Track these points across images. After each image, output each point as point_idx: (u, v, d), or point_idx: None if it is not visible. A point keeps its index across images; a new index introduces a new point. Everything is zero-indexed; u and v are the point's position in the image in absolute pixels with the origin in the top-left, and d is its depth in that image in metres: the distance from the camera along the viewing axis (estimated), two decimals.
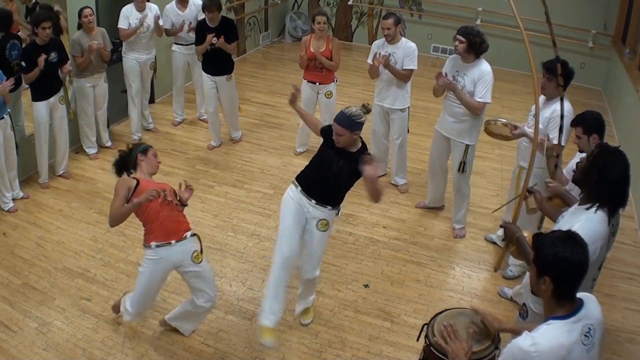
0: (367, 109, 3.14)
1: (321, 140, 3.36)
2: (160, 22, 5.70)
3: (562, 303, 1.92)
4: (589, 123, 3.23)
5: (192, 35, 5.99)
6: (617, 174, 2.49)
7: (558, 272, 1.87)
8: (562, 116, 3.24)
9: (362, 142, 3.21)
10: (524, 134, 3.85)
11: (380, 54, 4.81)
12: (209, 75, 5.63)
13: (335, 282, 4.08)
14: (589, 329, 1.92)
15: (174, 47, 6.11)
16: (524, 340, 1.88)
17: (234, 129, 6.04)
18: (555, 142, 3.51)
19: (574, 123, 3.29)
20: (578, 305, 1.94)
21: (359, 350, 3.51)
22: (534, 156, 3.21)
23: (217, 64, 5.57)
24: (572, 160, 3.50)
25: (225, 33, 5.40)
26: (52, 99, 4.85)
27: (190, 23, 5.86)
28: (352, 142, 3.13)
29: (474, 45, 4.10)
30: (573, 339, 1.87)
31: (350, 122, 3.05)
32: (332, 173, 3.21)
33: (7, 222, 4.58)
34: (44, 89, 4.78)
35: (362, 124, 3.10)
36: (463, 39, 4.11)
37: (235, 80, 5.84)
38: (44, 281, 3.96)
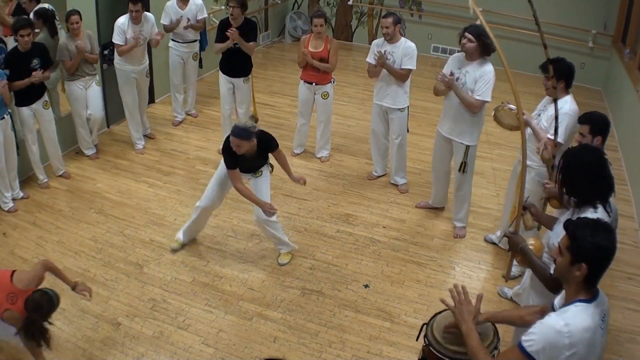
0: (255, 119, 3.96)
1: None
2: (162, 21, 5.66)
3: (589, 287, 1.99)
4: (596, 124, 3.18)
5: (190, 33, 5.98)
6: (601, 169, 2.51)
7: (596, 259, 1.94)
8: (556, 117, 3.22)
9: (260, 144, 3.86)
10: (529, 124, 3.80)
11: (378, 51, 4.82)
12: (226, 76, 5.55)
13: (335, 282, 4.08)
14: (604, 314, 2.01)
15: (171, 44, 6.10)
16: (556, 321, 1.92)
17: None
18: (558, 139, 3.51)
19: (582, 120, 3.26)
20: (597, 291, 2.02)
21: (359, 350, 3.51)
22: (525, 160, 3.18)
23: (235, 65, 5.47)
24: None
25: (245, 33, 5.30)
26: (34, 105, 4.78)
27: (188, 20, 5.85)
28: (250, 148, 3.78)
29: (486, 47, 4.06)
30: (597, 322, 1.95)
31: (245, 132, 3.68)
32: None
33: (7, 222, 4.58)
34: (27, 94, 4.71)
35: (254, 132, 3.73)
36: (473, 39, 4.06)
37: (251, 84, 5.70)
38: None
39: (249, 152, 3.81)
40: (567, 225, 2.02)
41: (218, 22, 5.60)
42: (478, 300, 2.25)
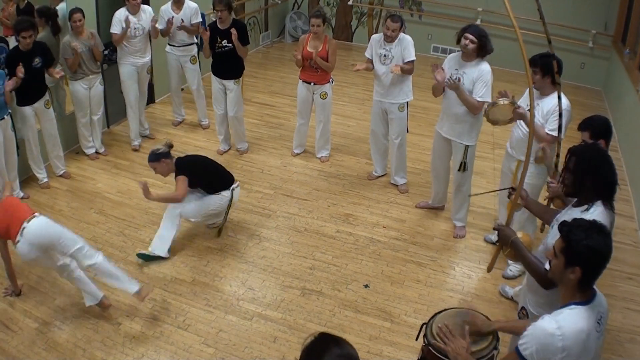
0: (169, 145, 4.23)
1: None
2: (158, 25, 5.69)
3: (584, 290, 1.98)
4: (597, 128, 3.17)
5: (185, 36, 5.94)
6: (610, 171, 2.49)
7: (591, 263, 1.93)
8: (560, 114, 3.22)
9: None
10: (524, 117, 3.77)
11: (381, 63, 4.85)
12: (217, 78, 5.57)
13: (335, 282, 4.08)
14: (601, 316, 2.01)
15: (167, 48, 6.09)
16: (549, 324, 1.93)
17: (239, 140, 5.87)
18: (554, 134, 3.51)
19: (582, 127, 3.23)
20: (594, 293, 2.01)
21: (359, 351, 3.44)
22: (530, 149, 3.18)
23: (225, 66, 5.48)
24: None
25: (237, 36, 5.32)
26: (36, 104, 4.79)
27: (182, 20, 5.83)
28: (167, 170, 4.21)
29: (484, 47, 4.08)
30: (591, 325, 1.94)
31: (151, 155, 4.14)
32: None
33: None
34: (28, 94, 4.72)
35: (162, 154, 4.14)
36: (475, 40, 4.05)
37: (242, 84, 5.72)
38: (44, 281, 3.96)
39: (171, 172, 4.24)
40: (562, 227, 2.00)
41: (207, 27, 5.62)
42: (467, 334, 2.29)
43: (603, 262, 1.95)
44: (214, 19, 5.58)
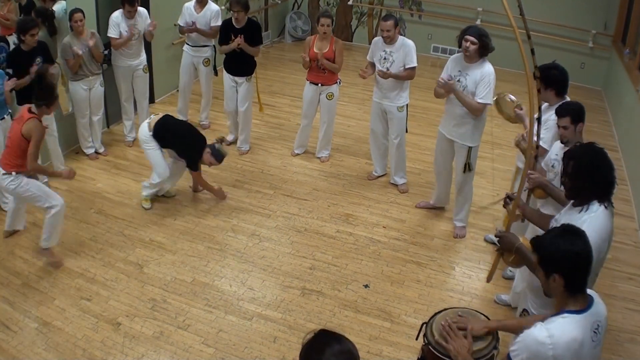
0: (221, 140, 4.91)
1: None
2: (179, 22, 5.77)
3: (575, 296, 1.94)
4: (575, 112, 3.22)
5: (202, 38, 5.94)
6: (609, 171, 2.49)
7: (565, 266, 1.90)
8: (539, 120, 3.22)
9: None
10: (522, 120, 3.81)
11: (380, 65, 4.84)
12: (229, 75, 5.60)
13: (335, 282, 4.08)
14: (598, 325, 1.96)
15: (184, 47, 6.12)
16: (539, 332, 1.89)
17: (244, 140, 5.89)
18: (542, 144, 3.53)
19: (562, 113, 3.26)
20: (590, 301, 1.97)
21: (359, 351, 3.49)
22: (530, 159, 3.19)
23: (239, 63, 5.51)
24: (551, 151, 3.46)
25: (249, 36, 5.34)
26: None
27: (194, 23, 5.83)
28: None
29: (486, 47, 4.07)
30: (586, 334, 1.90)
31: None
32: None
33: None
34: (28, 93, 4.69)
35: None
36: (476, 41, 4.04)
37: (253, 82, 5.72)
38: (44, 281, 3.96)
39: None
40: (532, 241, 2.01)
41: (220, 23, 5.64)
42: (469, 334, 2.29)
43: (580, 262, 1.91)
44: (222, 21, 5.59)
